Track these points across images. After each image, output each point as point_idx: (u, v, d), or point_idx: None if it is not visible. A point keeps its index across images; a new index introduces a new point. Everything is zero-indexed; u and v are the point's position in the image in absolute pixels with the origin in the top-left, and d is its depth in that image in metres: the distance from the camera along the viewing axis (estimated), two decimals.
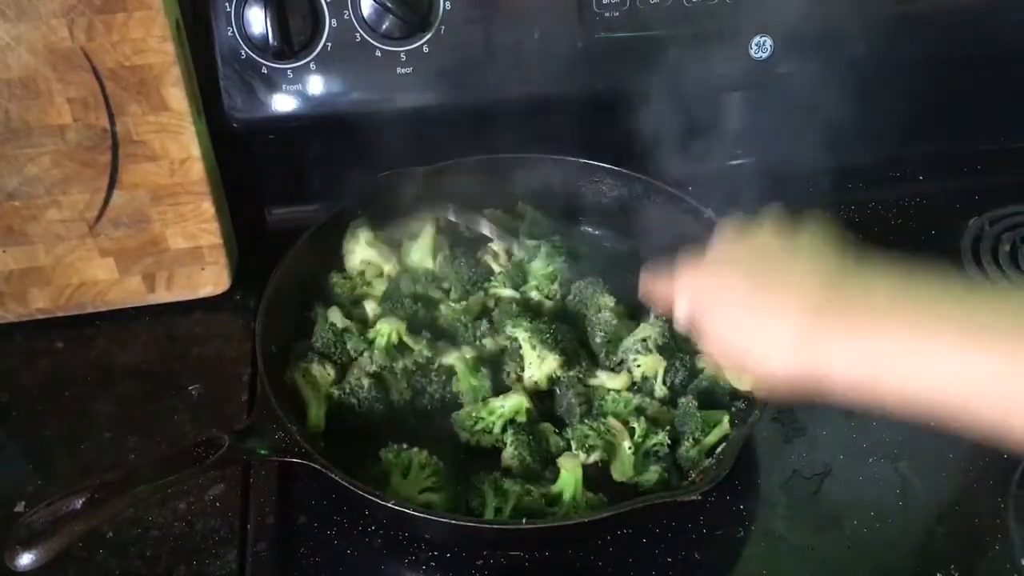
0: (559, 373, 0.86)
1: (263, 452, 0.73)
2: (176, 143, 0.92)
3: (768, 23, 1.05)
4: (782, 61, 1.07)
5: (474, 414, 0.83)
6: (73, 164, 0.91)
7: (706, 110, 1.10)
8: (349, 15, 0.96)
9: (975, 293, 0.58)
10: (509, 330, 0.88)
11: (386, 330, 0.86)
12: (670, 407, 0.85)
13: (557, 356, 0.85)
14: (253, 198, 1.11)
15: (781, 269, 0.63)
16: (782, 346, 0.59)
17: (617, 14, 1.02)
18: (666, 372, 0.87)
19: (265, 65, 0.98)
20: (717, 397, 0.86)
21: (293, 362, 0.86)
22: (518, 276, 0.97)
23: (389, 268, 0.97)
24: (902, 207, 1.16)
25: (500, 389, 0.86)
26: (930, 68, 1.12)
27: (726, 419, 0.83)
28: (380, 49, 0.98)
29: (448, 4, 0.98)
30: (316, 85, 0.99)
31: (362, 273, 0.98)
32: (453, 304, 0.93)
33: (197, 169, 0.94)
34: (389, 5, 0.95)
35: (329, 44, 0.97)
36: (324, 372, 0.85)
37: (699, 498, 0.69)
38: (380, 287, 0.96)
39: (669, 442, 0.81)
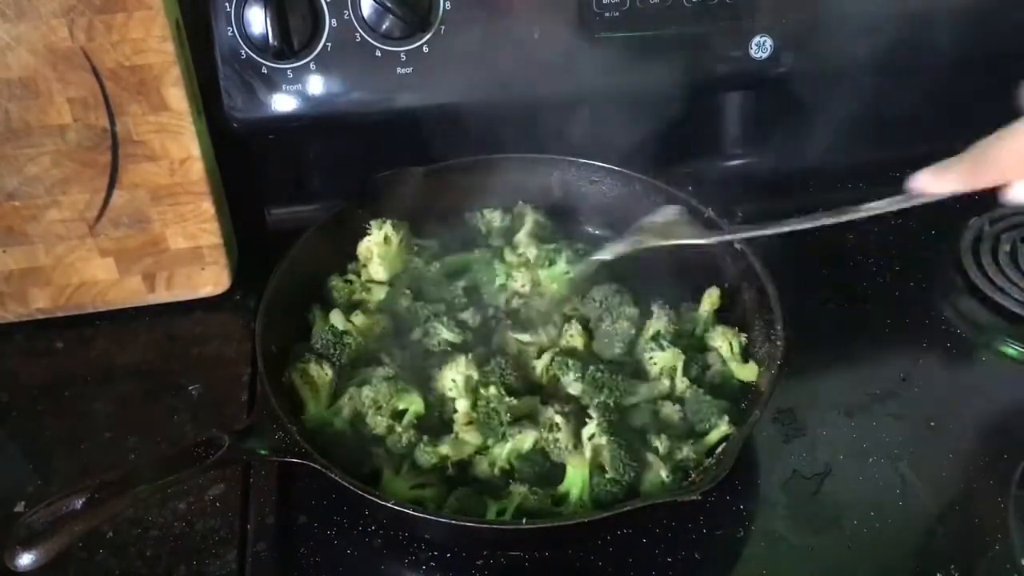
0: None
1: (263, 452, 0.73)
2: (176, 143, 0.92)
3: (768, 23, 1.05)
4: (782, 61, 1.07)
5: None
6: (73, 164, 0.91)
7: (706, 110, 1.10)
8: (349, 15, 0.96)
9: None
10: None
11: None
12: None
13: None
14: (253, 198, 1.11)
15: None
16: None
17: (617, 14, 1.02)
18: (686, 365, 0.86)
19: (265, 65, 0.98)
20: (727, 390, 0.86)
21: (292, 362, 0.86)
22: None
23: (381, 273, 0.97)
24: (902, 207, 1.16)
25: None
26: (930, 68, 1.12)
27: (726, 418, 0.83)
28: (380, 49, 0.98)
29: (448, 4, 0.98)
30: (316, 85, 0.99)
31: (359, 275, 0.98)
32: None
33: (197, 169, 0.94)
34: (389, 5, 0.95)
35: (329, 44, 0.97)
36: (322, 372, 0.85)
37: (699, 498, 0.69)
38: (379, 294, 0.96)
39: (694, 456, 0.80)
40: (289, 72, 0.98)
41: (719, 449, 0.81)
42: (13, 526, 0.63)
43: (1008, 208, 1.11)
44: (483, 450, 0.80)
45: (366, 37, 0.98)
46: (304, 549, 0.77)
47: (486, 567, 0.76)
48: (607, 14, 1.02)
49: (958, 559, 0.76)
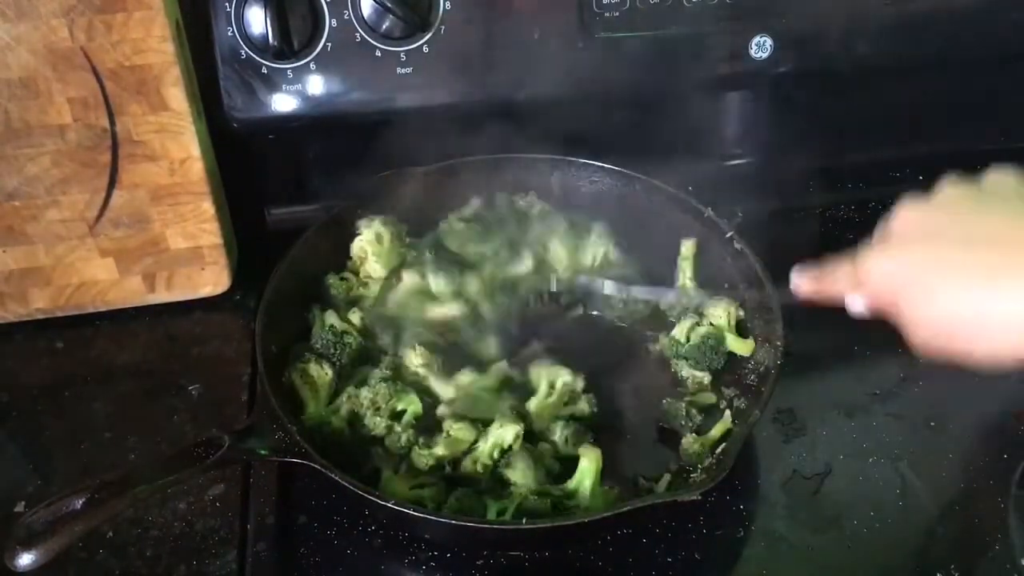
0: None
1: (263, 452, 0.73)
2: (176, 143, 0.92)
3: (768, 23, 1.05)
4: (782, 61, 1.07)
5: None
6: (73, 164, 0.91)
7: (706, 110, 1.10)
8: (349, 15, 0.96)
9: None
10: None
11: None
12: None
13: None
14: (253, 198, 1.11)
15: (999, 218, 0.54)
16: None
17: (617, 14, 1.02)
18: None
19: (265, 65, 0.98)
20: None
21: (292, 362, 0.86)
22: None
23: (378, 269, 0.97)
24: None
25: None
26: (930, 68, 1.12)
27: (728, 415, 0.83)
28: (380, 49, 0.98)
29: (448, 4, 0.98)
30: (316, 85, 0.99)
31: (357, 273, 0.98)
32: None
33: (197, 169, 0.94)
34: (389, 5, 0.95)
35: (329, 44, 0.97)
36: (322, 372, 0.85)
37: (699, 498, 0.69)
38: (375, 290, 0.96)
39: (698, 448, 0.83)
40: (289, 72, 0.98)
41: (719, 449, 0.81)
42: (13, 526, 0.62)
43: None
44: (471, 448, 0.81)
45: (366, 37, 0.98)
46: (304, 549, 0.77)
47: (486, 567, 0.76)
48: (607, 14, 1.02)
49: (958, 559, 0.76)
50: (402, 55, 0.99)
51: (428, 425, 0.83)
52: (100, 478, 0.66)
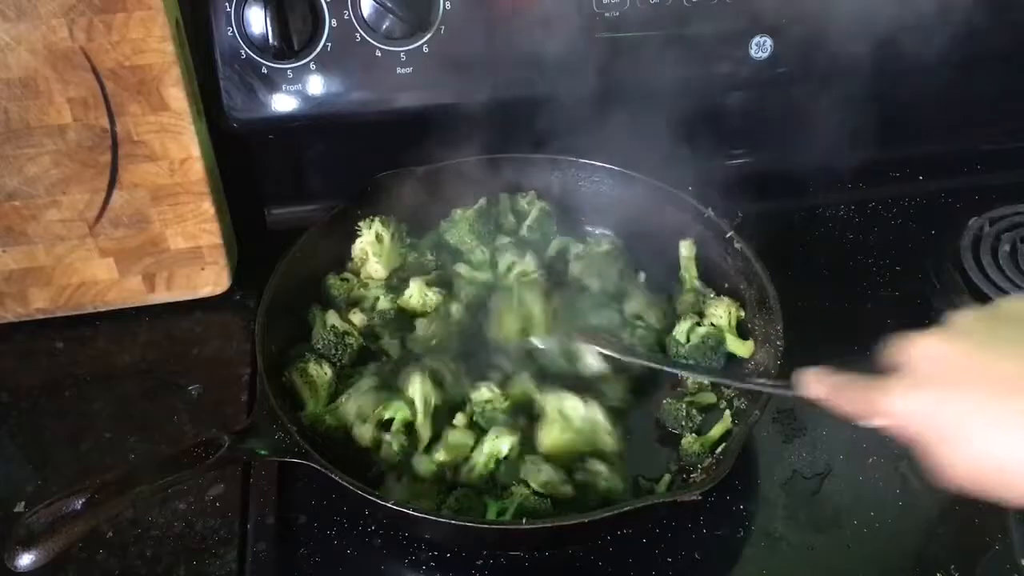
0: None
1: (263, 452, 0.73)
2: (176, 143, 0.92)
3: (768, 23, 1.05)
4: (782, 61, 1.07)
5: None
6: (73, 164, 0.91)
7: (706, 110, 1.10)
8: (349, 15, 0.96)
9: None
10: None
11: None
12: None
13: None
14: (253, 198, 1.11)
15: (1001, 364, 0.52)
16: None
17: (617, 14, 1.02)
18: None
19: (265, 65, 0.98)
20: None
21: (292, 362, 0.86)
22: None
23: (379, 270, 0.97)
24: (902, 207, 1.16)
25: None
26: (930, 68, 1.12)
27: (728, 415, 0.83)
28: (380, 49, 0.98)
29: (448, 4, 0.98)
30: (316, 85, 0.99)
31: (357, 273, 0.98)
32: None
33: (197, 169, 0.94)
34: (389, 5, 0.95)
35: (329, 44, 0.97)
36: (321, 371, 0.85)
37: (699, 498, 0.69)
38: (375, 290, 0.96)
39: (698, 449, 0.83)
40: (289, 72, 0.98)
41: (719, 449, 0.81)
42: (13, 526, 0.62)
43: (1008, 208, 1.11)
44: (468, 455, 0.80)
45: (366, 37, 0.97)
46: (304, 549, 0.77)
47: (486, 567, 0.76)
48: (607, 14, 1.02)
49: (958, 559, 0.76)
50: (402, 55, 0.99)
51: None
52: (100, 478, 0.66)
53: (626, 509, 0.71)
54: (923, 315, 1.00)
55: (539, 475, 0.76)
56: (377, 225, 0.96)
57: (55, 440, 0.87)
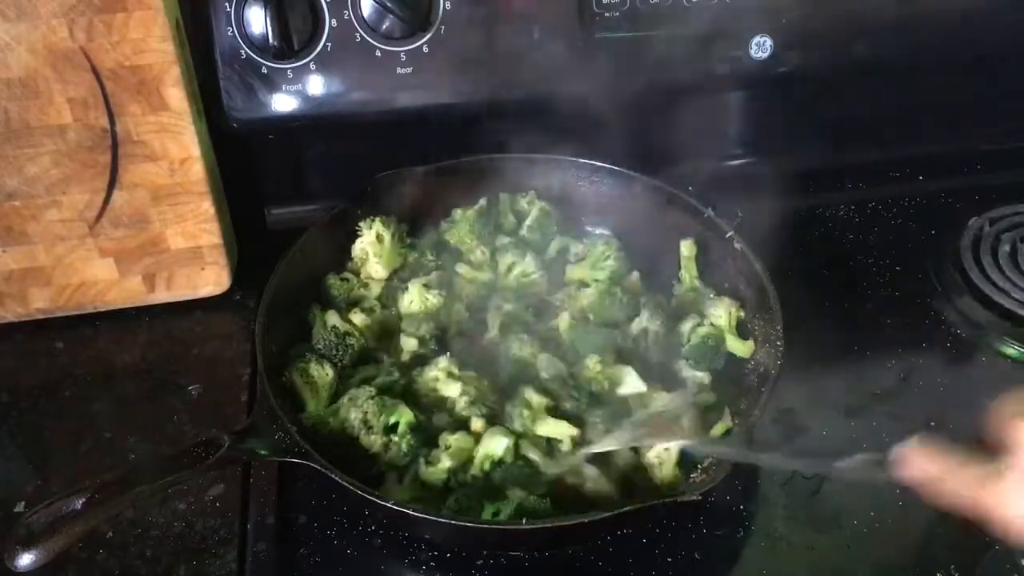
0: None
1: (263, 452, 0.73)
2: (176, 143, 0.92)
3: (768, 23, 1.05)
4: (782, 61, 1.07)
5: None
6: (73, 164, 0.91)
7: (706, 110, 1.10)
8: (349, 15, 0.96)
9: None
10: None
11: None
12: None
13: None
14: (253, 198, 1.11)
15: None
16: None
17: (617, 14, 1.02)
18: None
19: (265, 65, 0.98)
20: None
21: (293, 362, 0.86)
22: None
23: (379, 270, 0.97)
24: (902, 207, 1.16)
25: None
26: (930, 68, 1.12)
27: (728, 414, 0.83)
28: (380, 49, 0.98)
29: (448, 4, 0.98)
30: (316, 85, 0.99)
31: (357, 273, 0.98)
32: None
33: (197, 169, 0.94)
34: (389, 5, 0.95)
35: (329, 44, 0.97)
36: (322, 372, 0.85)
37: (699, 498, 0.69)
38: (376, 290, 0.96)
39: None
40: (289, 72, 0.98)
41: None
42: (13, 526, 0.62)
43: (1008, 208, 1.11)
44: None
45: (366, 37, 0.97)
46: (304, 549, 0.77)
47: (486, 567, 0.76)
48: (607, 14, 1.02)
49: (958, 559, 0.76)
50: (402, 55, 0.99)
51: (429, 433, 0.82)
52: (100, 478, 0.66)
53: (626, 509, 0.71)
54: (923, 316, 1.01)
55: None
56: (377, 225, 0.96)
57: (55, 440, 0.87)
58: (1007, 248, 1.05)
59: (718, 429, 0.82)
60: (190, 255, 0.98)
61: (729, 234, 0.94)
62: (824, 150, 1.12)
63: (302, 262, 0.93)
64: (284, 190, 1.14)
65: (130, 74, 0.87)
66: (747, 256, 0.91)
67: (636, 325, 0.91)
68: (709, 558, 0.77)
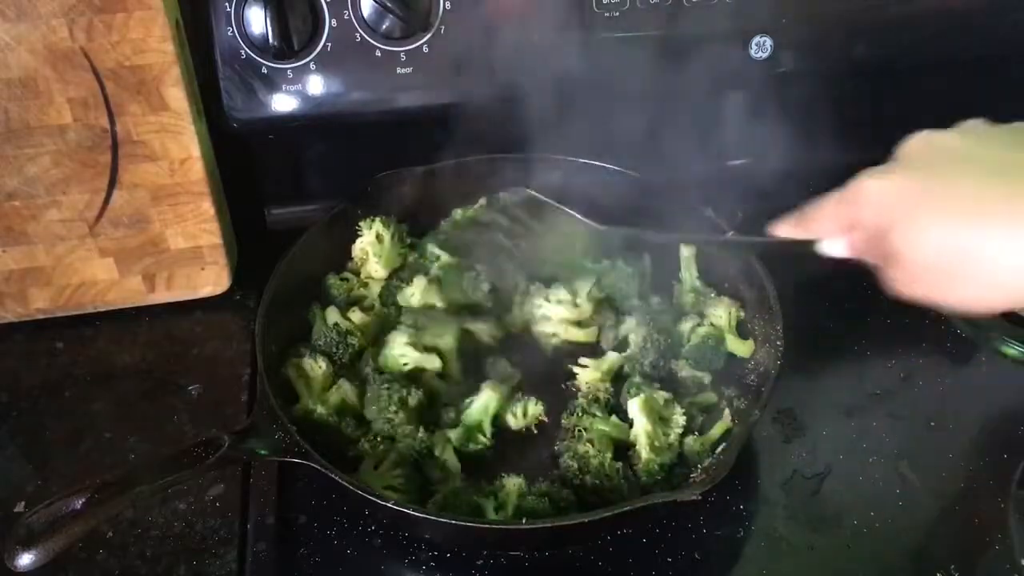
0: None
1: (263, 452, 0.73)
2: (176, 143, 0.92)
3: (768, 23, 1.05)
4: (782, 61, 1.07)
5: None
6: (73, 164, 0.91)
7: (706, 110, 1.10)
8: (349, 15, 0.96)
9: None
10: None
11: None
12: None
13: None
14: (253, 198, 1.11)
15: (1017, 153, 0.48)
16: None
17: (617, 14, 1.02)
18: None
19: (265, 65, 0.98)
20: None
21: (289, 360, 0.87)
22: None
23: (379, 270, 0.97)
24: None
25: None
26: (930, 68, 1.12)
27: (728, 414, 0.83)
28: (380, 49, 0.98)
29: (448, 4, 0.98)
30: (316, 85, 0.99)
31: (357, 273, 0.98)
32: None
33: (197, 169, 0.94)
34: (389, 5, 0.95)
35: (329, 44, 0.97)
36: (315, 365, 0.85)
37: (699, 498, 0.69)
38: (376, 289, 0.96)
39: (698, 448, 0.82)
40: (289, 72, 0.98)
41: (719, 449, 0.81)
42: (13, 526, 0.62)
43: None
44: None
45: (366, 37, 0.97)
46: (304, 549, 0.77)
47: (486, 567, 0.76)
48: (607, 14, 1.02)
49: (958, 559, 0.76)
50: (402, 55, 0.99)
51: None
52: (100, 478, 0.66)
53: (626, 509, 0.71)
54: (923, 316, 1.00)
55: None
56: (377, 225, 0.97)
57: (55, 440, 0.87)
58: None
59: (718, 429, 0.83)
60: (190, 255, 0.98)
61: (729, 234, 0.94)
62: (824, 150, 1.12)
63: (302, 262, 0.93)
64: (284, 190, 1.14)
65: (130, 74, 0.87)
66: (747, 256, 0.91)
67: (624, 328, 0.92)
68: (709, 558, 0.77)
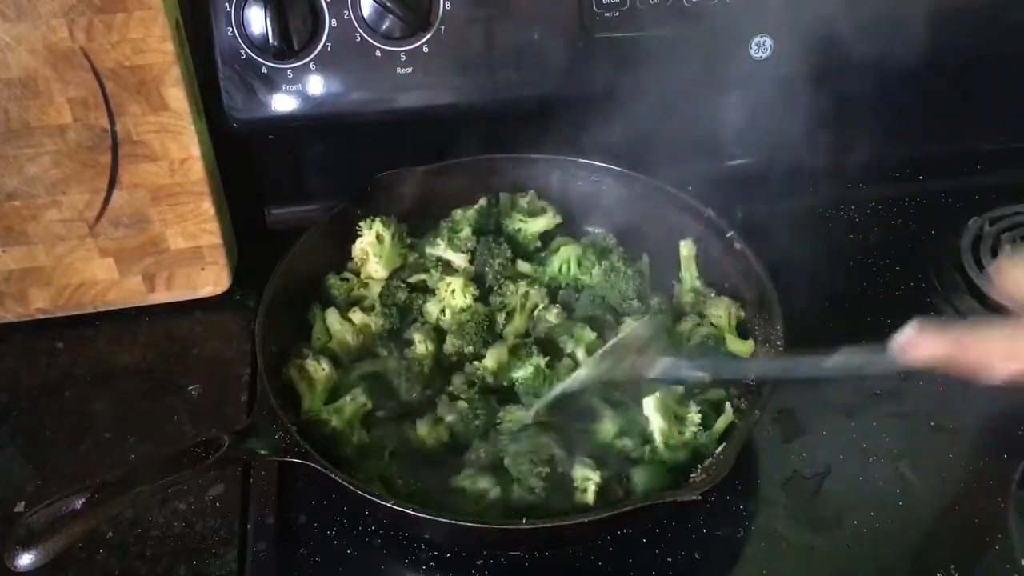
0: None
1: (263, 452, 0.73)
2: (176, 143, 0.92)
3: (768, 23, 1.05)
4: (782, 61, 1.07)
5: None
6: (73, 164, 0.91)
7: (706, 110, 1.10)
8: (349, 15, 0.96)
9: None
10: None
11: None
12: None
13: None
14: (253, 198, 1.11)
15: None
16: None
17: (617, 14, 1.02)
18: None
19: (265, 65, 0.98)
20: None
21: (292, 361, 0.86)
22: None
23: (379, 270, 0.97)
24: (902, 207, 1.16)
25: None
26: (930, 68, 1.12)
27: (729, 407, 0.83)
28: (380, 49, 0.98)
29: (448, 4, 0.98)
30: (316, 85, 0.99)
31: (357, 273, 0.98)
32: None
33: (197, 169, 0.94)
34: (389, 5, 0.95)
35: (329, 44, 0.97)
36: (318, 367, 0.85)
37: (699, 498, 0.69)
38: (376, 290, 0.96)
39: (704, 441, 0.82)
40: (289, 72, 0.98)
41: (719, 448, 0.81)
42: (13, 526, 0.62)
43: (1008, 208, 1.11)
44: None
45: (366, 37, 0.98)
46: (304, 549, 0.77)
47: (486, 567, 0.76)
48: (607, 14, 1.02)
49: (958, 559, 0.76)
50: (402, 55, 0.99)
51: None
52: (100, 478, 0.66)
53: (626, 509, 0.71)
54: (923, 316, 1.00)
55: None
56: (377, 225, 0.96)
57: (55, 440, 0.87)
58: (1007, 248, 1.05)
59: (720, 424, 0.82)
60: (190, 255, 0.98)
61: (729, 234, 0.94)
62: (824, 150, 1.12)
63: (302, 262, 0.93)
64: (284, 190, 1.14)
65: (130, 74, 0.87)
66: (747, 256, 0.91)
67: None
68: (709, 558, 0.77)
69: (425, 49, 0.99)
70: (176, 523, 0.78)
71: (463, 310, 0.91)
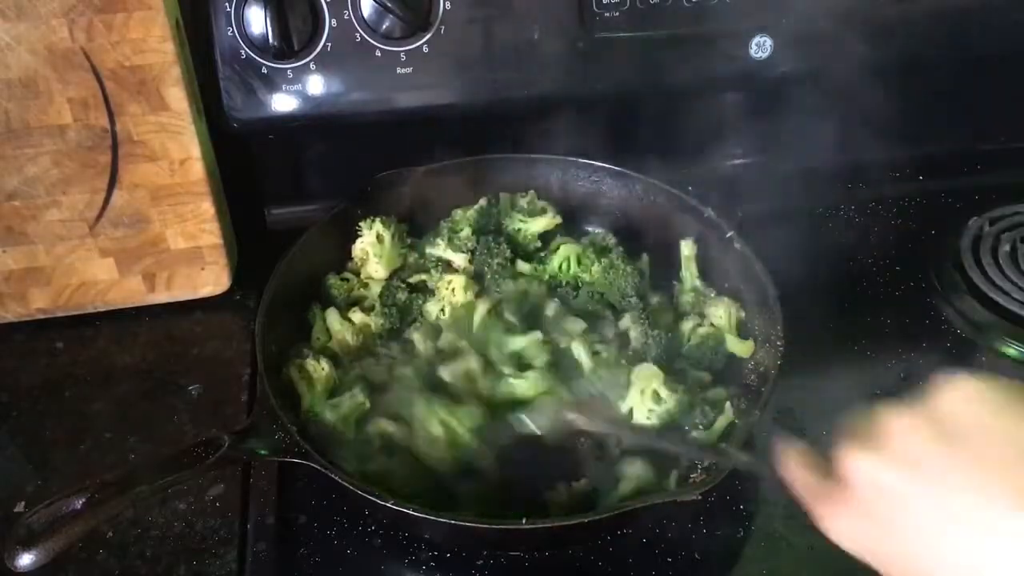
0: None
1: (263, 452, 0.73)
2: (176, 143, 0.92)
3: (768, 23, 1.05)
4: (782, 61, 1.07)
5: None
6: (73, 164, 0.91)
7: (706, 110, 1.10)
8: (349, 15, 0.96)
9: None
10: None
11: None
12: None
13: None
14: (253, 198, 1.11)
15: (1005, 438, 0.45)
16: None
17: (617, 14, 1.02)
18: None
19: (265, 65, 0.98)
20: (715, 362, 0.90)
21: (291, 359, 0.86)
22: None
23: (379, 270, 0.97)
24: (902, 207, 1.17)
25: None
26: (930, 68, 1.12)
27: (729, 407, 0.83)
28: (380, 49, 0.98)
29: (448, 4, 0.98)
30: (316, 85, 0.99)
31: (357, 273, 0.98)
32: None
33: (197, 169, 0.94)
34: (389, 5, 0.95)
35: (329, 44, 0.97)
36: (318, 367, 0.85)
37: (699, 498, 0.69)
38: (376, 290, 0.96)
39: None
40: (289, 72, 0.98)
41: (720, 447, 0.81)
42: (13, 526, 0.62)
43: (1008, 208, 1.11)
44: None
45: (366, 37, 0.98)
46: (304, 549, 0.77)
47: (486, 567, 0.76)
48: (607, 14, 1.02)
49: None
50: (402, 55, 0.99)
51: None
52: (100, 478, 0.66)
53: (626, 509, 0.71)
54: (923, 316, 1.00)
55: None
56: (377, 225, 0.97)
57: (55, 440, 0.87)
58: (1007, 248, 1.05)
59: (720, 423, 0.82)
60: (190, 255, 0.98)
61: (729, 234, 0.94)
62: (824, 150, 1.12)
63: (302, 262, 0.93)
64: (284, 190, 1.14)
65: (130, 74, 0.87)
66: (747, 256, 0.91)
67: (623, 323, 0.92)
68: (709, 558, 0.77)
69: (425, 49, 0.99)
70: (176, 523, 0.78)
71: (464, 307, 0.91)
